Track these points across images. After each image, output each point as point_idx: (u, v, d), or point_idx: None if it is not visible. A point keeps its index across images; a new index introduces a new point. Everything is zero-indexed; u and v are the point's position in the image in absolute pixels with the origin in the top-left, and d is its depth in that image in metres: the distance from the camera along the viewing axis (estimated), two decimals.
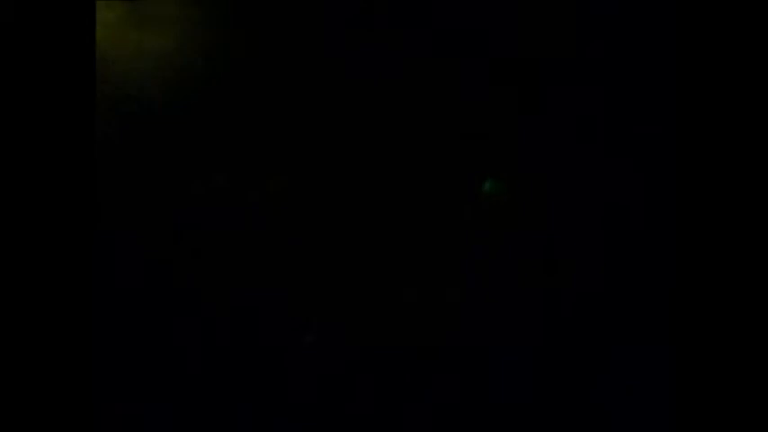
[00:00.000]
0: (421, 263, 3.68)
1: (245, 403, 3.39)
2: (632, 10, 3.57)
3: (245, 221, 3.73)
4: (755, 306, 2.40)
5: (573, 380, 3.37)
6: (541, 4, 3.69)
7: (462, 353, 3.50)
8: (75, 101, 2.43)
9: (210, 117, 3.79)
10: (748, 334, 2.39)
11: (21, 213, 2.37)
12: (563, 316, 3.48)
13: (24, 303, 2.35)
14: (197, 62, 3.76)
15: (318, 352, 3.54)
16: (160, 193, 3.69)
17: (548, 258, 3.56)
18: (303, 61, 3.83)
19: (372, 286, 3.66)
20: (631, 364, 3.27)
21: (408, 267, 3.68)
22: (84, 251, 2.40)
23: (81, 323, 2.37)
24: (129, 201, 3.64)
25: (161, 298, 3.55)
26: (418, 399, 3.39)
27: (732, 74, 2.48)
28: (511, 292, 3.57)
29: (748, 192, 2.45)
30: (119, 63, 3.75)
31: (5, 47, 2.38)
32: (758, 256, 2.41)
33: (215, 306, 3.59)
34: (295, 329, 3.59)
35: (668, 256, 3.35)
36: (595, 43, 3.61)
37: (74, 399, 2.34)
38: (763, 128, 2.45)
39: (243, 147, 3.78)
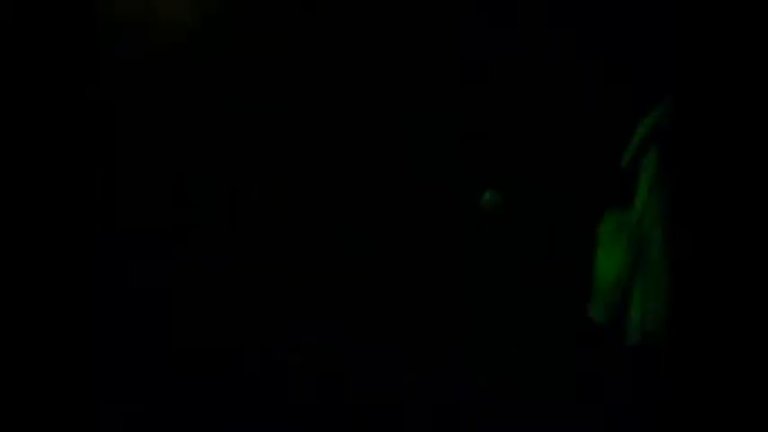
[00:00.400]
0: (419, 267, 3.68)
1: (245, 402, 3.39)
2: (632, 9, 3.57)
3: (245, 219, 3.73)
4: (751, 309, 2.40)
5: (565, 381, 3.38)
6: (540, 5, 3.69)
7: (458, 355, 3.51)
8: (76, 100, 2.43)
9: (210, 114, 3.79)
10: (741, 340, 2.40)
11: (21, 212, 2.37)
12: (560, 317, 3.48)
13: (24, 303, 2.35)
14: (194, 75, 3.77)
15: (317, 352, 3.54)
16: (160, 192, 3.70)
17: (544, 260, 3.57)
18: (303, 59, 3.83)
19: (371, 288, 3.67)
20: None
21: (406, 271, 3.68)
22: (85, 251, 2.40)
23: (81, 323, 2.37)
24: (130, 199, 3.64)
25: (161, 298, 3.55)
26: (416, 402, 3.40)
27: (731, 75, 2.48)
28: (508, 294, 3.57)
29: (746, 196, 2.45)
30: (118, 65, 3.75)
31: (5, 47, 2.38)
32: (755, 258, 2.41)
33: (215, 306, 3.59)
34: (295, 328, 3.60)
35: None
36: (594, 42, 3.61)
37: (74, 399, 2.34)
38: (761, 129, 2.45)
39: (244, 144, 3.78)
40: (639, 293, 2.78)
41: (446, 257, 3.69)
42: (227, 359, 3.49)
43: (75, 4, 2.43)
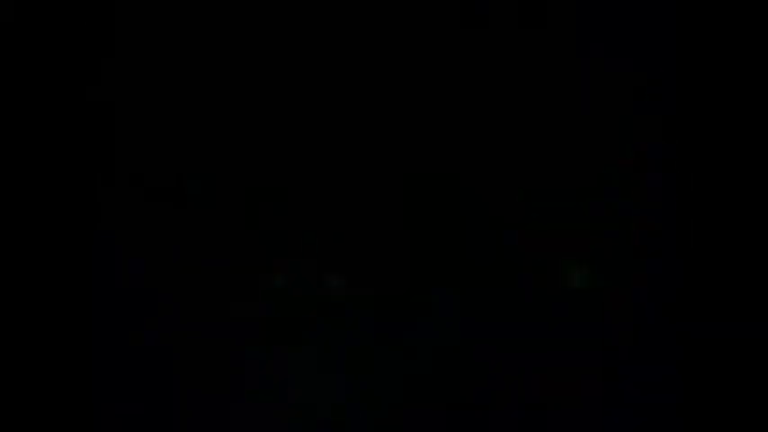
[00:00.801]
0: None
1: (246, 403, 3.39)
2: (632, 13, 3.56)
3: (248, 221, 3.73)
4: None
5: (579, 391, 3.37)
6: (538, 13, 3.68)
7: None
8: (76, 101, 2.43)
9: (211, 112, 3.79)
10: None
11: (21, 213, 2.37)
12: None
13: (24, 303, 2.35)
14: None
15: (320, 352, 3.54)
16: (160, 191, 3.69)
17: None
18: (304, 57, 3.83)
19: (369, 289, 3.66)
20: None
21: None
22: (84, 251, 2.40)
23: (81, 323, 2.37)
24: (130, 199, 3.64)
25: (162, 298, 3.55)
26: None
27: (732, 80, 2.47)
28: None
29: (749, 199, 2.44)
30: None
31: (5, 47, 2.38)
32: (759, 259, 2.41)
33: (216, 305, 3.59)
34: (296, 328, 3.59)
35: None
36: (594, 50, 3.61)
37: (74, 399, 2.34)
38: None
39: (247, 144, 3.78)
40: None
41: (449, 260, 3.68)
42: (227, 359, 3.49)
43: (75, 4, 2.43)
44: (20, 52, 2.38)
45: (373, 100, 3.80)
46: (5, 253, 2.35)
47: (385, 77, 3.79)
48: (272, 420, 3.37)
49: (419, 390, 3.43)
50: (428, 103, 3.76)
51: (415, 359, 3.48)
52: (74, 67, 2.42)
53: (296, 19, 3.83)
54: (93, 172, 2.50)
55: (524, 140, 3.71)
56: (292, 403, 3.40)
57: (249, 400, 3.41)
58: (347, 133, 3.80)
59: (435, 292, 3.59)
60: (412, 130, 3.75)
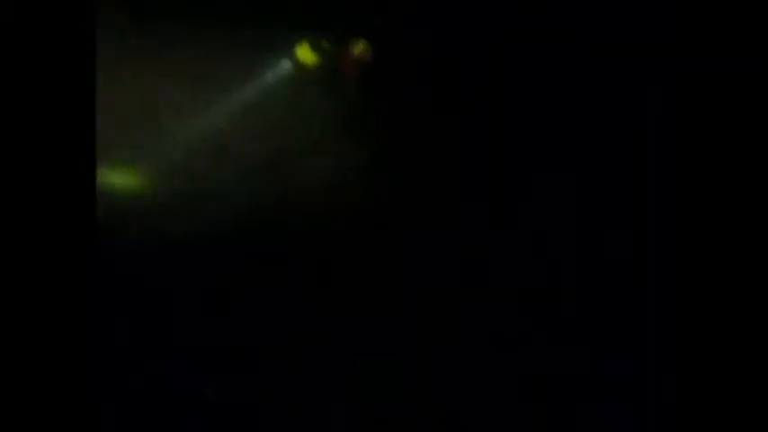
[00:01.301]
0: None
1: (246, 404, 3.40)
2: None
3: (249, 222, 3.74)
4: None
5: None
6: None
7: None
8: (75, 102, 2.42)
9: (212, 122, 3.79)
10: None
11: (20, 217, 2.37)
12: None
13: (24, 303, 2.35)
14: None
15: (323, 352, 3.55)
16: (161, 193, 3.70)
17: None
18: None
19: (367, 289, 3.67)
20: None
21: None
22: (84, 251, 2.40)
23: (81, 323, 2.37)
24: (130, 200, 3.64)
25: (162, 298, 3.56)
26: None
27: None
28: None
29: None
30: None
31: (5, 47, 2.38)
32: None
33: (216, 306, 3.60)
34: (299, 329, 3.60)
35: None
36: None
37: (74, 399, 2.34)
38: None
39: (247, 149, 3.78)
40: None
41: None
42: (227, 359, 3.49)
43: (76, 4, 2.43)
44: (20, 52, 2.38)
45: None
46: (4, 254, 2.35)
47: None
48: (273, 421, 3.37)
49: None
50: None
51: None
52: (74, 67, 2.42)
53: None
54: (93, 172, 2.50)
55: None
56: (293, 405, 3.40)
57: (250, 401, 3.41)
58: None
59: None
60: None
